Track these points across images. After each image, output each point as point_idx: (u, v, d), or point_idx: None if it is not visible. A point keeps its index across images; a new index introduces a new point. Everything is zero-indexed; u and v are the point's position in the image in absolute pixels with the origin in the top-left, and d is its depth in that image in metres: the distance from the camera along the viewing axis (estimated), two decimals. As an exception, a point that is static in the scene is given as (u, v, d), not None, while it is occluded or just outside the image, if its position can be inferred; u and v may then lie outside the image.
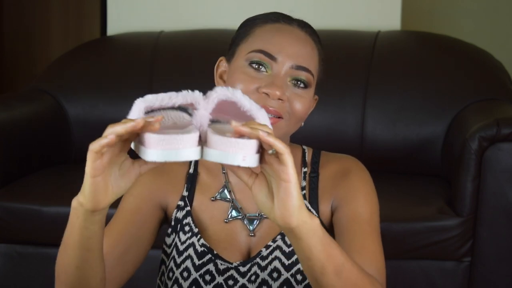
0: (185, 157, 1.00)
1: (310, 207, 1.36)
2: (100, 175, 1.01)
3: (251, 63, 1.31)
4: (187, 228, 1.36)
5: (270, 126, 1.04)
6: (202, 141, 1.04)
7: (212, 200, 1.38)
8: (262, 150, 1.03)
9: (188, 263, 1.34)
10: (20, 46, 3.75)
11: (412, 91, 2.65)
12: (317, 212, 1.36)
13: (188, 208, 1.38)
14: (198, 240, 1.34)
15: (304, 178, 1.39)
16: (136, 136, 1.02)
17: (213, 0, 3.07)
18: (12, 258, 2.35)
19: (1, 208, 2.31)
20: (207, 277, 1.32)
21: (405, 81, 2.67)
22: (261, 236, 1.35)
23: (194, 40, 2.92)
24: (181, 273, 1.34)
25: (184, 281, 1.33)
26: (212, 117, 1.06)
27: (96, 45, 3.03)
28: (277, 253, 1.33)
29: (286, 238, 1.33)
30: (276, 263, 1.32)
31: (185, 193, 1.39)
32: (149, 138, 0.99)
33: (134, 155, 1.05)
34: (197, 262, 1.33)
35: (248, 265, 1.33)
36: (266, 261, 1.33)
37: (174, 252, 1.36)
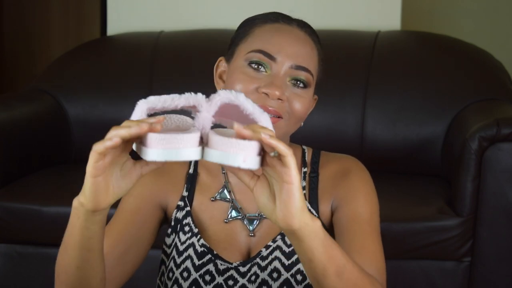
0: (185, 156, 1.00)
1: (310, 207, 1.36)
2: (100, 175, 1.01)
3: (250, 63, 1.31)
4: (187, 228, 1.36)
5: (272, 130, 1.04)
6: (204, 143, 1.04)
7: (212, 200, 1.38)
8: (263, 152, 1.03)
9: (188, 263, 1.34)
10: (20, 46, 3.75)
11: (412, 91, 2.65)
12: (317, 212, 1.36)
13: (188, 208, 1.38)
14: (198, 240, 1.34)
15: (304, 178, 1.39)
16: (138, 137, 1.02)
17: (213, 0, 3.07)
18: (12, 258, 2.35)
19: (1, 208, 2.31)
20: (207, 277, 1.32)
21: (405, 81, 2.67)
22: (261, 236, 1.35)
23: (194, 40, 2.92)
24: (181, 273, 1.34)
25: (184, 281, 1.33)
26: (214, 120, 1.06)
27: (96, 45, 3.03)
28: (277, 253, 1.33)
29: (286, 238, 1.33)
30: (276, 263, 1.32)
31: (185, 193, 1.39)
32: (150, 137, 0.99)
33: (135, 156, 1.05)
34: (197, 262, 1.33)
35: (248, 265, 1.33)
36: (266, 261, 1.33)
37: (174, 252, 1.36)
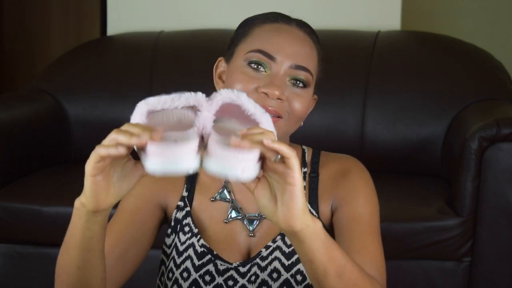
0: (184, 169, 0.99)
1: (310, 208, 1.36)
2: (99, 174, 1.01)
3: (250, 63, 1.31)
4: (187, 229, 1.36)
5: (274, 131, 1.04)
6: (205, 142, 1.03)
7: (212, 201, 1.38)
8: (263, 157, 1.03)
9: (188, 263, 1.34)
10: (20, 46, 3.75)
11: (412, 91, 2.64)
12: (317, 212, 1.36)
13: (188, 208, 1.38)
14: (198, 241, 1.34)
15: (304, 178, 1.39)
16: None
17: (213, 0, 3.07)
18: (12, 258, 2.35)
19: (1, 208, 2.31)
20: (207, 278, 1.32)
21: (405, 81, 2.67)
22: (261, 237, 1.35)
23: (194, 40, 2.92)
24: (181, 274, 1.34)
25: (184, 282, 1.33)
26: (215, 118, 1.06)
27: (96, 45, 3.03)
28: (277, 253, 1.33)
29: (286, 239, 1.33)
30: (276, 264, 1.32)
31: (185, 194, 1.39)
32: (149, 148, 0.98)
33: (136, 156, 1.05)
34: (197, 262, 1.33)
35: (248, 266, 1.33)
36: (266, 262, 1.33)
37: (174, 253, 1.36)
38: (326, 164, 1.40)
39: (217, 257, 1.33)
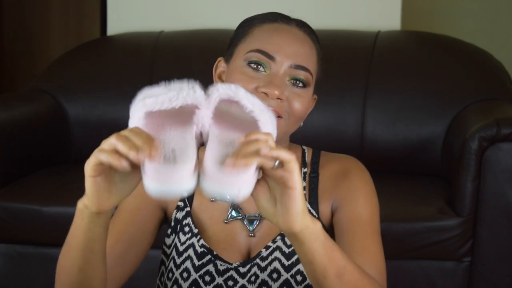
0: (180, 192, 0.98)
1: (310, 208, 1.36)
2: (99, 176, 1.01)
3: (249, 63, 1.31)
4: (186, 229, 1.36)
5: (274, 127, 1.04)
6: (204, 140, 1.03)
7: (212, 201, 1.38)
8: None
9: (188, 263, 1.34)
10: (20, 46, 3.75)
11: (412, 91, 2.64)
12: (317, 212, 1.36)
13: (188, 208, 1.38)
14: (198, 241, 1.34)
15: (304, 179, 1.39)
16: None
17: (213, 0, 3.07)
18: (12, 258, 2.35)
19: (1, 208, 2.31)
20: (207, 278, 1.32)
21: (405, 81, 2.67)
22: (261, 237, 1.35)
23: (194, 40, 2.92)
24: (180, 274, 1.34)
25: (184, 282, 1.33)
26: (213, 116, 1.05)
27: (96, 45, 3.03)
28: (277, 253, 1.33)
29: (286, 239, 1.33)
30: (276, 264, 1.32)
31: (185, 194, 1.39)
32: (147, 166, 0.98)
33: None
34: (196, 262, 1.33)
35: (248, 266, 1.33)
36: (266, 262, 1.33)
37: (174, 253, 1.36)
38: (326, 164, 1.40)
39: (217, 257, 1.33)
